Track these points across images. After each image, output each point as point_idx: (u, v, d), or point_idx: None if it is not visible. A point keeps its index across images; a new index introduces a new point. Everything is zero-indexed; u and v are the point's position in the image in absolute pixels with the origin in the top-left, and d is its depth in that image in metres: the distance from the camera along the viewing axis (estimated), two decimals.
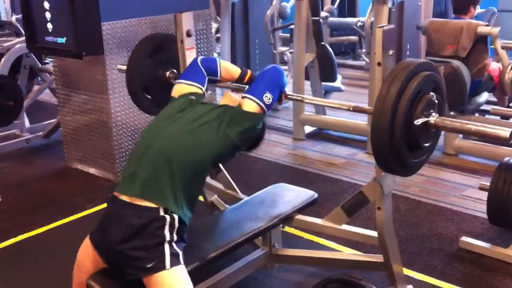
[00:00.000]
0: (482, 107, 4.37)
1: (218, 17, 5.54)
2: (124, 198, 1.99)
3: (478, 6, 4.27)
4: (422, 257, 2.91)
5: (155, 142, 2.06)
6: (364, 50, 7.18)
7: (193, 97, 2.27)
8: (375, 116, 1.94)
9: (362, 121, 4.46)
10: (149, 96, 2.84)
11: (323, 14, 5.48)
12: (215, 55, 5.19)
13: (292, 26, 4.98)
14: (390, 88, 1.92)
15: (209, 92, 2.54)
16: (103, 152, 4.03)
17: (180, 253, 1.95)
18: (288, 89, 2.43)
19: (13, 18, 5.80)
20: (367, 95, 4.42)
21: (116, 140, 3.90)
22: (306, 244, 3.01)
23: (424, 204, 3.51)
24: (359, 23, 6.89)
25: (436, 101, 2.00)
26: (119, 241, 1.92)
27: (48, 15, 3.70)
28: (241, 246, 2.37)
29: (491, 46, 3.99)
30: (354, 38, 7.38)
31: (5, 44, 4.75)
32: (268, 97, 2.17)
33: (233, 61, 5.15)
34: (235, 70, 2.46)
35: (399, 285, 2.48)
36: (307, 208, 2.67)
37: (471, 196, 3.57)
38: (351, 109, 2.31)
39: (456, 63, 3.93)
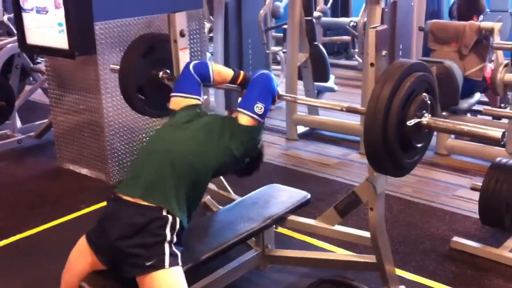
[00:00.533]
0: (474, 107, 4.39)
1: (211, 17, 5.52)
2: (127, 198, 2.01)
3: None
4: (415, 257, 2.92)
5: (160, 148, 2.10)
6: (357, 50, 7.20)
7: (198, 110, 2.31)
8: (368, 117, 1.95)
9: (355, 121, 4.47)
10: (142, 97, 2.83)
11: (316, 14, 5.49)
12: (208, 55, 5.19)
13: (285, 26, 4.99)
14: (383, 88, 1.92)
15: (205, 97, 2.54)
16: (96, 153, 4.02)
17: (179, 254, 1.96)
18: (281, 89, 2.44)
19: (5, 18, 5.75)
20: (360, 95, 4.42)
21: (108, 141, 3.88)
22: (299, 245, 3.01)
23: (416, 204, 3.52)
24: (352, 23, 6.91)
25: (429, 102, 2.01)
26: (119, 238, 1.92)
27: None
28: (234, 247, 2.37)
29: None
30: (347, 38, 7.39)
31: None
32: (259, 107, 2.19)
33: (226, 61, 5.14)
34: (228, 73, 2.45)
35: (392, 286, 2.49)
36: (300, 208, 2.67)
37: (463, 196, 3.59)
38: (344, 109, 2.31)
39: (448, 63, 3.94)
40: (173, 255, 1.93)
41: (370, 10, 4.10)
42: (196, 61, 2.47)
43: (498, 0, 6.20)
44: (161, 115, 3.12)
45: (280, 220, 2.60)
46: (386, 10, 4.14)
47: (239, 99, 2.32)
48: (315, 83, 5.00)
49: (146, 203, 1.96)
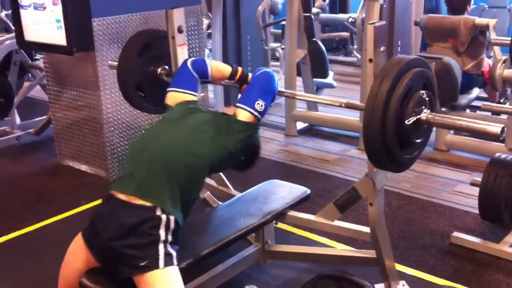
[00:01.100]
0: (473, 103, 4.39)
1: (209, 13, 5.51)
2: (121, 196, 1.99)
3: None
4: (414, 253, 2.92)
5: (153, 145, 2.08)
6: (355, 46, 7.19)
7: (192, 106, 2.29)
8: (366, 113, 1.95)
9: (354, 117, 4.46)
10: (141, 94, 2.82)
11: (314, 10, 5.48)
12: (207, 51, 5.18)
13: (284, 22, 4.97)
14: (382, 85, 1.92)
15: (202, 94, 2.54)
16: (95, 149, 4.01)
17: (174, 254, 1.94)
18: (280, 86, 2.43)
19: (3, 14, 5.74)
20: (358, 91, 4.42)
21: (107, 137, 3.88)
22: (299, 240, 3.01)
23: (416, 199, 3.52)
24: (350, 19, 6.88)
25: (428, 98, 2.01)
26: (112, 238, 1.91)
27: None
28: (234, 242, 2.37)
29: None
30: (345, 34, 7.38)
31: None
32: (260, 105, 2.18)
33: (225, 57, 5.14)
34: (226, 69, 2.43)
35: (392, 281, 2.49)
36: (299, 204, 2.67)
37: (462, 191, 3.59)
38: (343, 105, 2.31)
39: (447, 59, 3.94)
40: (167, 255, 1.91)
41: (368, 6, 4.10)
42: (194, 58, 2.46)
43: None
44: (160, 111, 3.11)
45: (280, 215, 2.60)
46: (384, 6, 4.13)
47: (239, 96, 2.31)
48: (314, 79, 4.99)
49: (139, 202, 1.95)
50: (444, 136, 4.22)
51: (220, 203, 2.92)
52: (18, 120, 4.94)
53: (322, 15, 6.48)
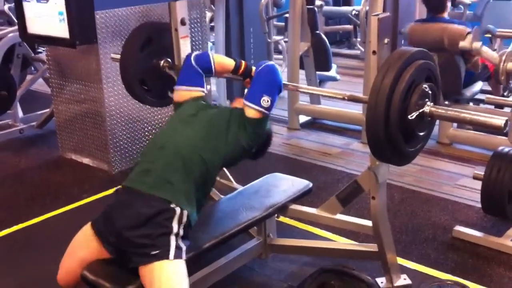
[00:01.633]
0: (477, 96, 4.37)
1: (212, 6, 5.50)
2: (137, 189, 2.04)
3: None
4: (416, 247, 2.92)
5: (169, 142, 2.12)
6: (359, 39, 7.17)
7: (202, 102, 2.31)
8: (369, 106, 1.94)
9: (357, 110, 4.45)
10: (144, 86, 2.82)
11: (318, 2, 5.47)
12: (210, 44, 5.17)
13: (287, 15, 4.96)
14: (385, 78, 1.91)
15: (208, 87, 2.53)
16: (97, 142, 4.02)
17: (184, 248, 1.97)
18: (283, 79, 2.42)
19: (6, 7, 5.73)
20: (362, 84, 4.41)
21: (110, 130, 3.88)
22: (301, 234, 3.01)
23: (418, 193, 3.51)
24: (354, 12, 6.87)
25: (431, 90, 2.00)
26: (126, 228, 1.94)
27: None
28: (236, 236, 2.37)
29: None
30: (349, 27, 7.36)
31: None
32: (266, 100, 2.19)
33: (228, 50, 5.12)
34: (229, 63, 2.43)
35: (393, 274, 2.49)
36: (301, 197, 2.67)
37: (465, 185, 3.58)
38: (346, 98, 2.31)
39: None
40: (178, 248, 1.94)
41: None
42: (197, 52, 2.45)
43: None
44: (163, 104, 3.11)
45: (282, 209, 2.60)
46: None
47: (245, 91, 2.30)
48: (317, 72, 4.98)
49: (156, 195, 1.99)
50: (447, 129, 4.20)
51: (222, 196, 2.92)
52: (20, 113, 4.94)
53: (326, 8, 6.47)
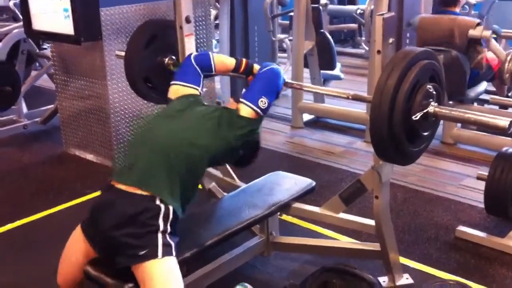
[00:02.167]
0: (481, 97, 4.36)
1: (217, 4, 5.50)
2: (120, 186, 2.00)
3: None
4: (419, 246, 2.92)
5: (154, 137, 2.09)
6: (363, 38, 7.16)
7: (192, 99, 2.29)
8: (373, 106, 1.94)
9: (360, 109, 4.45)
10: (148, 84, 2.83)
11: (322, 1, 5.44)
12: (214, 42, 5.17)
13: (292, 13, 4.96)
14: (389, 77, 1.92)
15: (205, 89, 2.53)
16: (101, 139, 4.02)
17: (173, 245, 1.95)
18: (287, 77, 2.42)
19: (11, 3, 5.75)
20: (366, 83, 4.40)
21: (114, 127, 3.89)
22: (303, 232, 3.01)
23: (421, 193, 3.51)
24: (359, 11, 6.86)
25: (435, 90, 2.00)
26: (111, 228, 1.92)
27: None
28: (238, 233, 2.38)
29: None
30: (353, 26, 7.34)
31: (3, 29, 4.72)
32: (263, 102, 2.18)
33: (232, 48, 5.12)
34: (230, 62, 2.43)
35: (396, 274, 2.49)
36: (304, 196, 2.68)
37: (468, 185, 3.58)
38: (350, 97, 2.31)
39: (455, 52, 3.91)
40: (166, 245, 1.92)
41: None
42: (196, 53, 2.46)
43: None
44: (167, 101, 3.12)
45: (285, 207, 2.61)
46: None
47: (243, 90, 2.30)
48: (321, 71, 4.98)
49: (139, 192, 1.96)
50: (451, 129, 4.20)
51: (225, 194, 2.93)
52: (25, 109, 4.95)
53: (330, 7, 6.44)
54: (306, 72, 4.87)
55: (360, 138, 4.45)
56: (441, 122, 2.40)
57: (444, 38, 3.89)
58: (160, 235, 1.92)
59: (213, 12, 5.42)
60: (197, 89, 2.34)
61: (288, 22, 6.13)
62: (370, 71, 4.23)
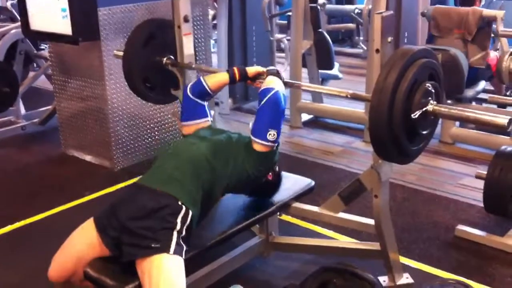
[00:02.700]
0: (480, 96, 4.36)
1: (215, 4, 5.50)
2: (145, 184, 2.10)
3: None
4: (419, 245, 2.92)
5: (181, 151, 2.20)
6: (361, 38, 7.16)
7: (213, 128, 2.42)
8: (372, 105, 1.94)
9: (359, 109, 4.45)
10: (147, 83, 2.82)
11: (320, 1, 5.45)
12: (212, 42, 5.16)
13: (290, 13, 4.95)
14: (388, 76, 1.91)
15: (213, 112, 2.62)
16: (100, 139, 4.01)
17: (184, 247, 1.98)
18: (285, 77, 2.42)
19: (8, 4, 5.75)
20: (364, 83, 4.40)
21: (112, 127, 3.88)
22: (303, 232, 3.01)
23: (420, 192, 3.51)
24: (356, 10, 6.86)
25: (434, 89, 1.99)
26: (130, 219, 1.96)
27: None
28: (238, 233, 2.37)
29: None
30: (351, 25, 7.34)
31: (0, 30, 4.70)
32: (272, 134, 2.25)
33: (230, 48, 5.12)
34: (223, 77, 2.46)
35: (396, 273, 2.49)
36: (304, 196, 2.67)
37: (467, 184, 3.58)
38: (348, 96, 2.30)
39: (453, 50, 3.92)
40: (179, 245, 1.95)
41: None
42: (190, 83, 2.50)
43: None
44: (165, 101, 3.12)
45: (284, 207, 2.60)
46: None
47: (250, 124, 2.31)
48: (320, 70, 4.97)
49: (163, 191, 2.02)
50: (449, 128, 4.20)
51: None
52: (23, 110, 4.94)
53: (328, 6, 6.45)
54: (304, 72, 4.87)
55: (359, 137, 4.44)
56: (440, 121, 2.39)
57: (456, 23, 4.05)
58: (175, 234, 1.95)
59: (211, 12, 5.41)
60: (208, 120, 2.44)
61: (286, 22, 6.13)
62: (369, 70, 4.23)
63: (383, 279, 2.50)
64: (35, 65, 5.36)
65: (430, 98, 1.98)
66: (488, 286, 2.58)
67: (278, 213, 2.72)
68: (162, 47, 2.75)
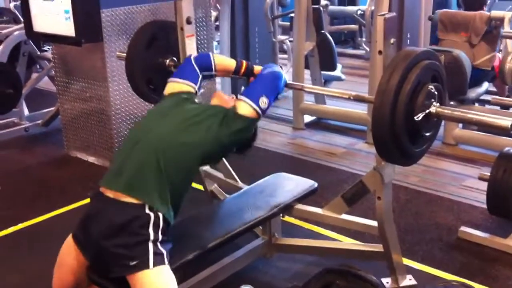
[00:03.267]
0: (482, 97, 4.36)
1: (217, 5, 5.51)
2: (109, 194, 1.98)
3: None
4: (422, 247, 2.91)
5: (144, 138, 2.04)
6: (364, 39, 7.16)
7: (185, 96, 2.25)
8: (375, 107, 1.93)
9: (362, 110, 4.45)
10: (150, 85, 2.82)
11: (323, 2, 5.45)
12: (215, 43, 5.17)
13: (292, 15, 4.95)
14: (391, 78, 1.91)
15: (202, 90, 2.51)
16: (103, 141, 4.02)
17: (165, 253, 1.92)
18: (288, 78, 2.42)
19: (12, 5, 5.77)
20: (367, 84, 4.40)
21: (115, 129, 3.88)
22: (306, 234, 3.01)
23: (423, 194, 3.51)
24: (359, 12, 6.87)
25: (437, 91, 1.99)
26: (102, 238, 1.90)
27: None
28: (241, 235, 2.37)
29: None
30: (354, 27, 7.35)
31: (4, 31, 4.72)
32: (264, 102, 2.14)
33: (233, 49, 5.12)
34: (230, 63, 2.41)
35: (399, 275, 2.49)
36: (306, 197, 2.67)
37: (470, 186, 3.57)
38: (351, 97, 2.30)
39: (457, 52, 3.91)
40: (158, 254, 1.89)
41: None
42: (196, 55, 2.44)
43: None
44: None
45: (287, 208, 2.60)
46: None
47: (242, 88, 2.29)
48: (322, 72, 4.97)
49: (127, 200, 1.93)
50: (452, 130, 4.19)
51: (227, 195, 2.92)
52: (26, 111, 4.95)
53: (331, 8, 6.46)
54: (306, 73, 4.87)
55: (362, 139, 4.44)
56: (443, 122, 2.39)
57: (463, 27, 4.12)
58: (151, 245, 1.88)
59: (214, 14, 5.43)
60: (193, 87, 2.29)
61: (288, 23, 6.13)
62: (371, 72, 4.23)
63: (386, 281, 2.49)
64: (38, 66, 5.37)
65: (433, 100, 1.98)
66: None
67: (281, 215, 2.72)
68: (165, 49, 2.75)
